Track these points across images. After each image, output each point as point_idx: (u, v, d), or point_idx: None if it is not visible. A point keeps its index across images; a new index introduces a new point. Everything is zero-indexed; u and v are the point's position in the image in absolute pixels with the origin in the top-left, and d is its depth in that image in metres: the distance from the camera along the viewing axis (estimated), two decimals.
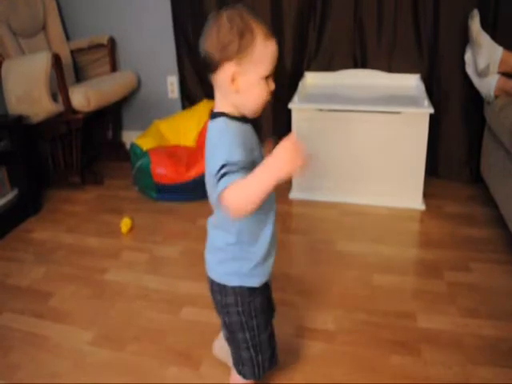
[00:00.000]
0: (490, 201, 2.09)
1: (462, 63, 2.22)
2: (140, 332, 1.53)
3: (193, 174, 2.31)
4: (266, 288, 1.10)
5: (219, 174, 0.86)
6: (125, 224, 2.13)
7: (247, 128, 0.97)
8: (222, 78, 0.93)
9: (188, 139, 2.66)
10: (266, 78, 0.93)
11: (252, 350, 1.10)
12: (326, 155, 2.22)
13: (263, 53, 0.91)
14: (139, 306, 1.66)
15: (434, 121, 2.13)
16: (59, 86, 2.35)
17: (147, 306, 1.65)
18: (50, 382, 1.36)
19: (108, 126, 3.00)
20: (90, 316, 1.62)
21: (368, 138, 2.16)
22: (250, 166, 0.89)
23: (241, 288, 1.04)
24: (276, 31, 2.41)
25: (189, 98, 2.86)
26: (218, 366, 1.36)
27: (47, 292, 1.76)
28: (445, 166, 2.45)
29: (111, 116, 2.97)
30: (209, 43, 0.91)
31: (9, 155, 2.21)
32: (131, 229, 2.15)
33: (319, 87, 2.48)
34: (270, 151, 0.83)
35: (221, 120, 0.95)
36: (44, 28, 2.78)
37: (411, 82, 2.40)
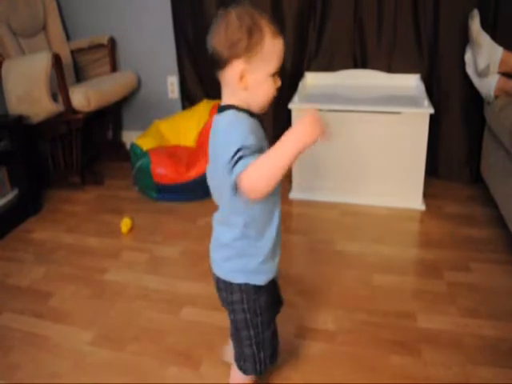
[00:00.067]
0: (490, 201, 2.09)
1: (462, 63, 2.22)
2: (140, 332, 1.53)
3: (193, 174, 2.31)
4: (271, 286, 1.11)
5: (235, 158, 0.86)
6: (125, 224, 2.13)
7: (254, 121, 0.97)
8: (230, 75, 0.94)
9: (188, 139, 2.66)
10: (273, 74, 0.95)
11: (255, 347, 1.11)
12: (326, 155, 2.22)
13: (271, 51, 0.93)
14: (139, 306, 1.66)
15: (434, 121, 2.13)
16: (59, 85, 2.35)
17: (147, 306, 1.65)
18: (49, 381, 1.36)
19: (108, 126, 3.00)
20: (90, 316, 1.62)
21: (368, 138, 2.16)
22: (260, 152, 0.89)
23: (246, 285, 1.04)
24: None
25: (189, 98, 2.87)
26: (218, 366, 1.36)
27: (47, 292, 1.76)
28: (445, 166, 2.45)
29: (111, 116, 2.97)
30: (217, 40, 0.92)
31: (9, 155, 2.22)
32: (131, 229, 2.15)
33: (319, 87, 2.48)
34: None
35: (230, 112, 0.96)
36: (44, 28, 2.78)
37: (411, 82, 2.40)
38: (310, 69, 2.55)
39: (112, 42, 2.86)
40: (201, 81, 2.79)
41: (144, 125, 2.83)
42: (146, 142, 2.47)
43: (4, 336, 1.55)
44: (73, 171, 2.61)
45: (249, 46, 0.90)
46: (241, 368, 1.14)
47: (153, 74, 2.95)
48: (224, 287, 1.07)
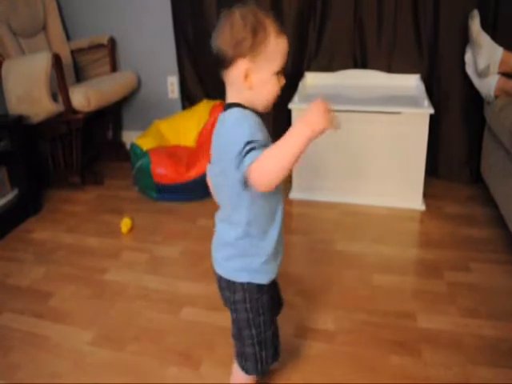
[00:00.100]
0: (490, 201, 2.09)
1: (462, 63, 2.22)
2: (140, 332, 1.53)
3: (193, 174, 2.31)
4: (272, 286, 1.11)
5: (244, 152, 0.86)
6: (125, 224, 2.13)
7: (259, 120, 0.98)
8: (234, 75, 0.95)
9: (188, 139, 2.66)
10: (277, 73, 0.97)
11: (257, 347, 1.11)
12: (326, 155, 2.22)
13: (275, 49, 0.94)
14: (139, 306, 1.66)
15: (434, 121, 2.13)
16: (59, 85, 2.35)
17: (147, 306, 1.65)
18: (49, 381, 1.36)
19: (108, 126, 3.00)
20: (90, 316, 1.62)
21: (368, 138, 2.16)
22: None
23: (249, 284, 1.04)
24: None
25: (189, 98, 2.87)
26: (218, 366, 1.37)
27: (47, 292, 1.76)
28: (445, 166, 2.45)
29: (111, 116, 2.97)
30: (222, 40, 0.93)
31: (9, 155, 2.22)
32: (131, 229, 2.15)
33: (319, 87, 2.48)
34: None
35: (236, 110, 0.96)
36: (44, 28, 2.79)
37: (411, 82, 2.40)
38: (310, 69, 2.55)
39: (112, 42, 2.86)
40: (201, 81, 2.79)
41: (144, 125, 2.83)
42: (146, 142, 2.48)
43: (4, 336, 1.55)
44: (73, 171, 2.61)
45: (253, 45, 0.91)
46: (242, 367, 1.15)
47: (153, 74, 2.96)
48: (226, 286, 1.07)
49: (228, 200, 1.01)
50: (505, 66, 2.00)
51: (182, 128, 2.68)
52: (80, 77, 2.96)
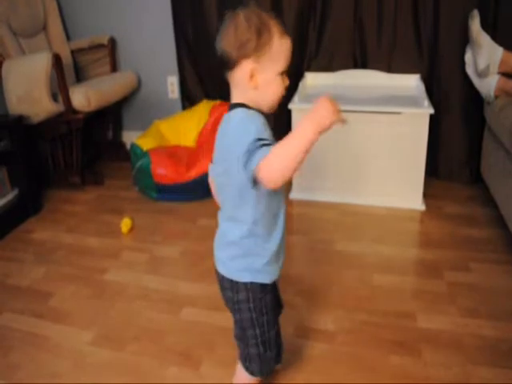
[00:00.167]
0: (490, 201, 2.09)
1: (462, 63, 2.22)
2: (140, 332, 1.53)
3: (193, 174, 2.31)
4: (274, 285, 1.11)
5: (252, 149, 0.87)
6: (125, 224, 2.13)
7: (264, 120, 0.98)
8: (239, 76, 0.96)
9: (188, 139, 2.66)
10: (281, 73, 0.97)
11: (261, 347, 1.11)
12: (326, 155, 2.22)
13: (279, 50, 0.95)
14: (139, 306, 1.66)
15: (434, 121, 2.13)
16: (59, 85, 2.35)
17: (147, 306, 1.65)
18: (49, 381, 1.36)
19: (108, 126, 3.00)
20: (90, 316, 1.62)
21: (368, 139, 2.16)
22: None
23: (252, 284, 1.04)
24: None
25: (189, 99, 2.87)
26: (218, 367, 1.37)
27: (47, 292, 1.76)
28: (445, 166, 2.45)
29: (111, 116, 2.97)
30: (226, 42, 0.94)
31: (9, 155, 2.22)
32: (131, 229, 2.16)
33: (319, 87, 2.48)
34: None
35: (241, 110, 0.97)
36: (44, 28, 2.79)
37: (411, 82, 2.40)
38: (310, 69, 2.55)
39: (112, 42, 2.86)
40: (201, 81, 2.79)
41: (144, 125, 2.83)
42: (146, 142, 2.48)
43: (4, 336, 1.55)
44: (73, 171, 2.61)
45: (258, 46, 0.92)
46: (247, 369, 1.15)
47: (153, 74, 2.96)
48: (229, 286, 1.07)
49: (232, 199, 1.01)
50: (505, 66, 2.00)
51: (182, 128, 2.68)
52: (80, 77, 2.96)
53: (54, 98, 2.36)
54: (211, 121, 2.56)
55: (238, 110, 0.97)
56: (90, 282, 1.80)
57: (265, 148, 0.86)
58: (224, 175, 1.00)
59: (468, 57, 2.18)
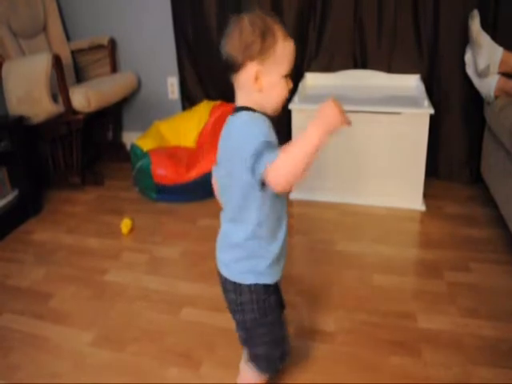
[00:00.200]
0: (490, 201, 2.09)
1: (462, 63, 2.22)
2: (140, 333, 1.53)
3: (193, 174, 2.31)
4: (277, 286, 1.12)
5: (258, 153, 0.88)
6: (125, 225, 2.13)
7: (269, 123, 0.99)
8: (244, 78, 0.97)
9: (188, 140, 2.66)
10: (285, 76, 0.99)
11: (268, 346, 1.12)
12: (326, 155, 2.21)
13: (283, 53, 0.96)
14: (139, 306, 1.66)
15: (434, 121, 2.13)
16: (60, 86, 2.35)
17: (147, 307, 1.65)
18: (49, 382, 1.36)
19: (108, 126, 3.00)
20: (90, 317, 1.62)
21: (368, 139, 2.16)
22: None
23: (256, 286, 1.05)
24: None
25: (189, 99, 2.87)
26: (218, 367, 1.37)
27: (47, 293, 1.76)
28: (445, 166, 2.45)
29: (111, 117, 2.97)
30: (231, 45, 0.95)
31: (9, 156, 2.22)
32: (131, 229, 2.16)
33: (319, 88, 2.48)
34: None
35: (245, 113, 0.98)
36: (44, 29, 2.79)
37: (411, 83, 2.40)
38: (310, 69, 2.55)
39: (112, 43, 2.86)
40: (201, 81, 2.79)
41: (144, 125, 2.83)
42: (146, 143, 2.48)
43: (4, 337, 1.55)
44: (73, 172, 2.61)
45: (262, 48, 0.94)
46: (256, 368, 1.15)
47: (153, 75, 2.96)
48: (233, 288, 1.07)
49: (236, 201, 1.01)
50: (505, 66, 2.00)
51: (182, 129, 2.68)
52: (80, 77, 2.96)
53: (54, 98, 2.36)
54: (211, 121, 2.56)
55: (243, 113, 0.98)
56: (90, 283, 1.80)
57: (271, 152, 0.87)
58: (228, 177, 1.01)
59: (468, 57, 2.18)
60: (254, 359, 1.15)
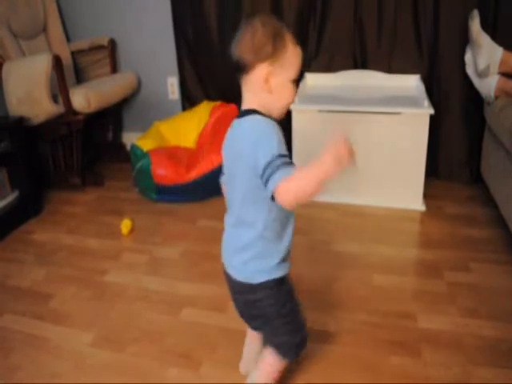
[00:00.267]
0: (490, 201, 2.09)
1: (462, 63, 2.22)
2: (140, 333, 1.53)
3: (193, 175, 2.31)
4: (288, 277, 1.14)
5: (274, 166, 0.90)
6: (125, 225, 2.13)
7: (278, 126, 1.00)
8: (254, 79, 0.98)
9: (188, 140, 2.66)
10: (293, 81, 1.01)
11: (290, 334, 1.14)
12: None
13: (293, 57, 1.00)
14: (139, 307, 1.66)
15: (434, 121, 2.13)
16: (60, 87, 2.35)
17: (147, 308, 1.65)
18: (50, 382, 1.36)
19: (108, 127, 3.00)
20: (91, 317, 1.62)
21: (368, 139, 2.16)
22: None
23: (269, 281, 1.06)
24: None
25: (189, 99, 2.87)
26: (218, 367, 1.37)
27: (47, 293, 1.76)
28: (445, 166, 2.45)
29: (111, 117, 2.97)
30: (243, 47, 0.97)
31: (9, 157, 2.22)
32: (131, 230, 2.16)
33: (319, 88, 2.48)
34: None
35: (258, 117, 0.99)
36: (44, 29, 2.79)
37: (411, 83, 2.40)
38: (310, 69, 2.55)
39: (112, 43, 2.86)
40: (201, 81, 2.79)
41: (144, 126, 2.83)
42: (146, 143, 2.48)
43: (5, 337, 1.55)
44: (73, 172, 2.61)
45: (274, 51, 0.96)
46: (282, 356, 1.16)
47: (153, 75, 2.96)
48: (247, 290, 1.08)
49: (242, 204, 1.03)
50: (505, 66, 2.00)
51: (182, 129, 2.68)
52: (80, 78, 2.96)
53: (54, 99, 2.36)
54: (211, 122, 2.56)
55: (251, 117, 0.99)
56: (91, 284, 1.80)
57: (286, 169, 0.89)
58: (235, 180, 1.02)
59: (468, 57, 2.18)
60: (281, 349, 1.16)
